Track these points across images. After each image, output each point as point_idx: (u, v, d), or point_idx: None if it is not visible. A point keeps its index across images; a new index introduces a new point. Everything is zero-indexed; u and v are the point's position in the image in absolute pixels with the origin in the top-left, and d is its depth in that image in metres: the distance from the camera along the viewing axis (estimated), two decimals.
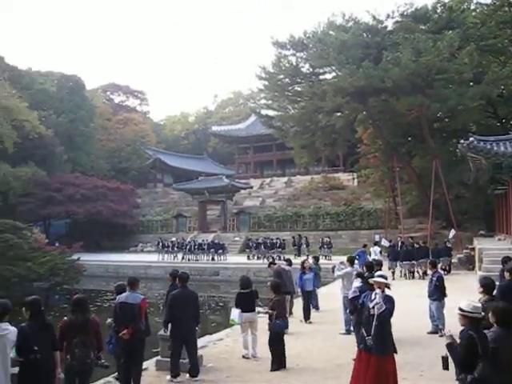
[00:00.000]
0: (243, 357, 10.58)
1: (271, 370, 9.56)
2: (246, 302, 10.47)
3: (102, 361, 7.35)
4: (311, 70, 36.46)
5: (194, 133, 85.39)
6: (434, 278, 12.46)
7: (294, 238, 37.63)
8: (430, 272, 14.22)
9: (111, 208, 48.39)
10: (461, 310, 5.04)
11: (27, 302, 6.39)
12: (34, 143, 49.89)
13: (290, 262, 15.81)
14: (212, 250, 37.30)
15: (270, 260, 19.29)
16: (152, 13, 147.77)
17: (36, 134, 49.80)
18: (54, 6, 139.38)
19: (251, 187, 55.45)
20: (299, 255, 32.91)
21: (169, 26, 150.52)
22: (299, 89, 37.21)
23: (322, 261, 21.42)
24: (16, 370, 5.96)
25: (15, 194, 45.68)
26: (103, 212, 47.92)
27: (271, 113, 42.70)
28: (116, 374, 8.82)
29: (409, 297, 16.45)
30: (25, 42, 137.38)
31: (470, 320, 4.97)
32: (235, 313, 10.58)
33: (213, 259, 36.94)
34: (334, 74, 35.41)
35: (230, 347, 11.65)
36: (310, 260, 16.95)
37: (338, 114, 35.68)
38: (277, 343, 9.77)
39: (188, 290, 9.28)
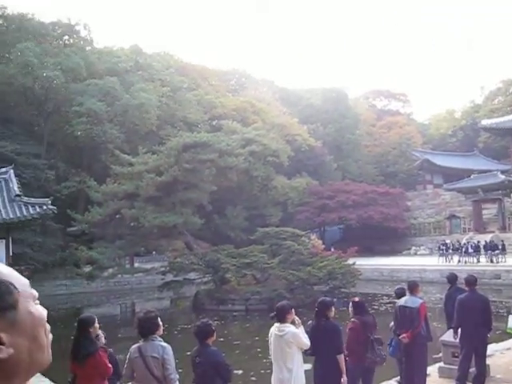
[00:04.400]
0: None
1: None
2: None
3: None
4: None
5: (461, 129, 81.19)
6: None
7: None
8: None
9: (382, 212, 48.91)
10: None
11: (318, 301, 6.93)
12: (306, 155, 53.47)
13: None
14: (489, 251, 35.03)
15: None
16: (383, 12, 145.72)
17: (307, 147, 53.53)
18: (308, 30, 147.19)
19: None
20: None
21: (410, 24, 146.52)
22: None
23: None
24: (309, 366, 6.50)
25: (292, 203, 49.63)
26: (374, 216, 48.69)
27: None
28: (398, 377, 8.94)
29: None
30: (291, 63, 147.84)
31: None
32: None
33: (491, 261, 34.63)
34: None
35: None
36: None
37: None
38: None
39: (477, 294, 8.79)
